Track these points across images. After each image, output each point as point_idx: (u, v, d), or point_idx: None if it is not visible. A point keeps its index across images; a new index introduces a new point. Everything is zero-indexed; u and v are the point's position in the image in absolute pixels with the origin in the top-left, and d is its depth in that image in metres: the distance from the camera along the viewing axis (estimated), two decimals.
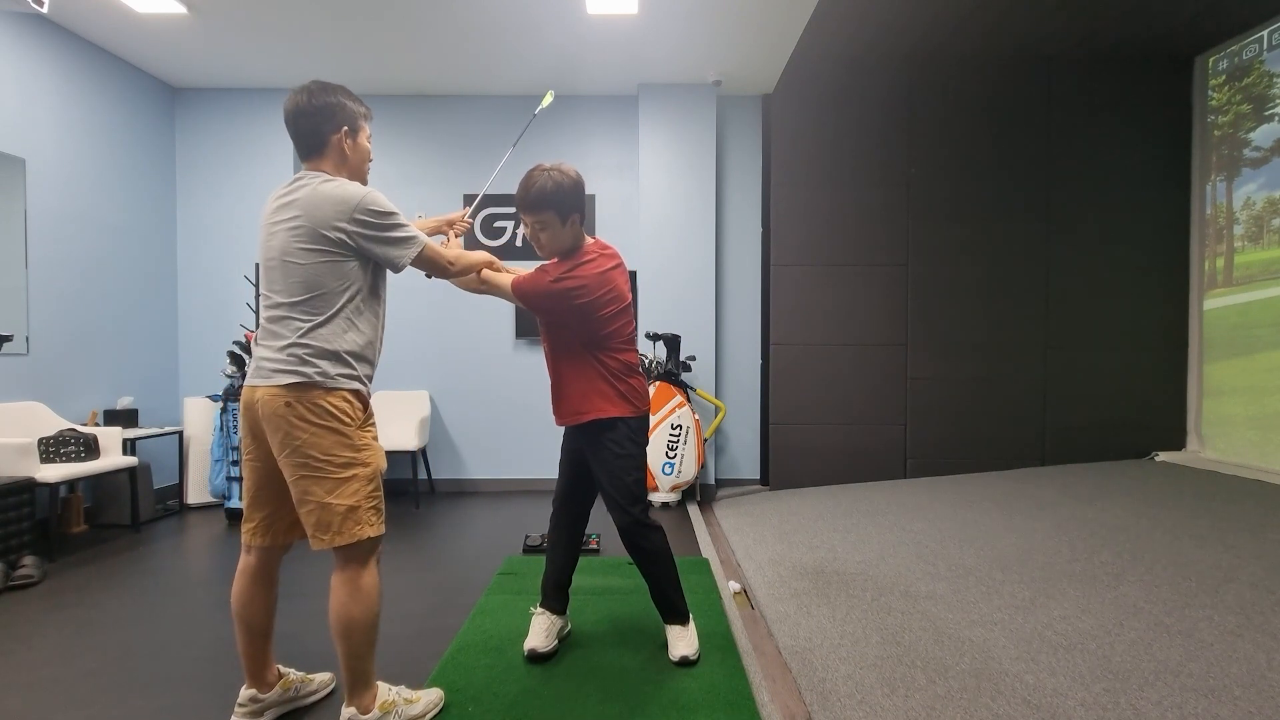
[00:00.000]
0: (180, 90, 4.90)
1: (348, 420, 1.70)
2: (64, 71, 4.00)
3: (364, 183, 1.83)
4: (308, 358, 1.66)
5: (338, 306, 1.70)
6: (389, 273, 1.85)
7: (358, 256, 1.73)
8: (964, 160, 5.08)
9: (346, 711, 1.74)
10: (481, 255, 2.08)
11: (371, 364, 1.81)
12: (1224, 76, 5.01)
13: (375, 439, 1.80)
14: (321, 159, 1.78)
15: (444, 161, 5.02)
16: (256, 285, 1.87)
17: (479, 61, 4.47)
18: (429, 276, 2.25)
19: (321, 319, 1.68)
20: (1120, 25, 4.65)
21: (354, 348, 1.72)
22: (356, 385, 1.73)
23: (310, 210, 1.67)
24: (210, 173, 4.91)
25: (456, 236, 2.32)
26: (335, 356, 1.68)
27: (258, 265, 1.83)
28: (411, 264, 1.81)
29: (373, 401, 1.86)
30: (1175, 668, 2.02)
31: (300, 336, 1.67)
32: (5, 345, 3.52)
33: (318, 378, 1.66)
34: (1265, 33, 4.71)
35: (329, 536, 1.69)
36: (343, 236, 1.68)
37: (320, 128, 1.76)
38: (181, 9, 3.74)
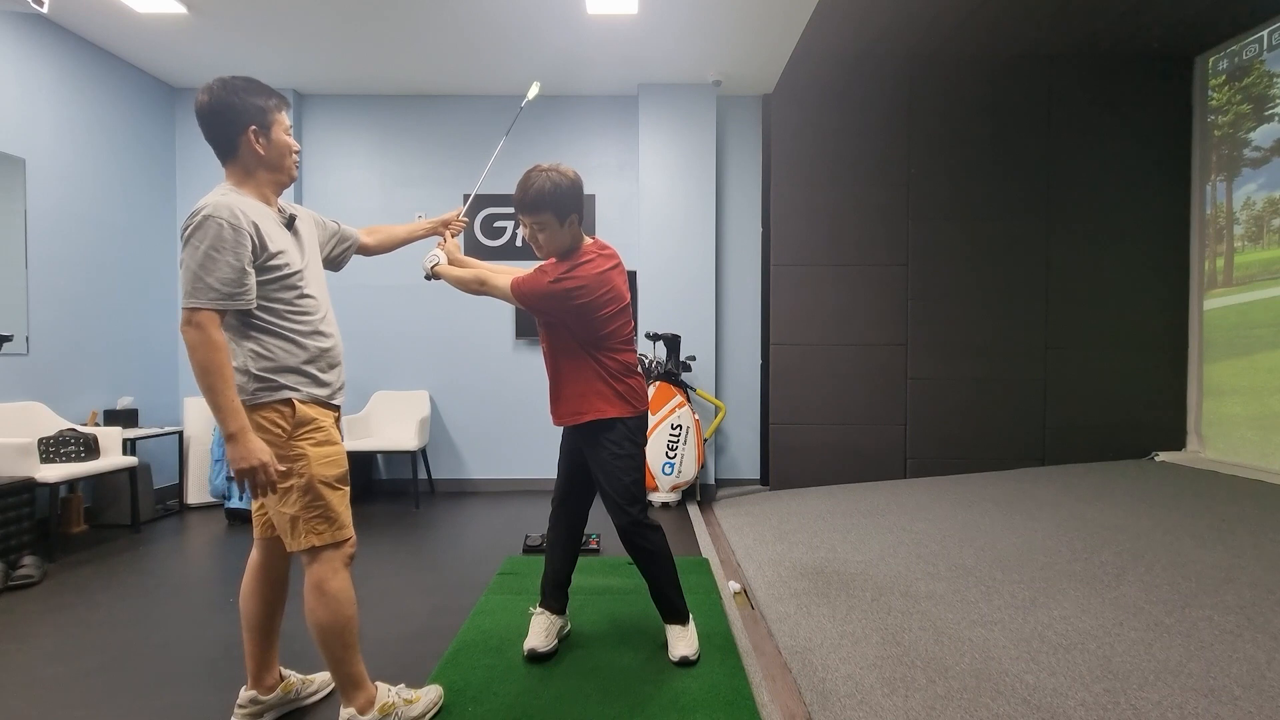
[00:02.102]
0: (180, 90, 4.90)
1: (278, 432, 1.65)
2: (64, 71, 4.00)
3: (291, 176, 1.75)
4: (237, 373, 1.63)
5: (238, 327, 1.64)
6: (337, 273, 1.83)
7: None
8: (964, 160, 5.08)
9: (345, 712, 1.74)
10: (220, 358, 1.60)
11: (302, 373, 1.69)
12: (1224, 76, 5.01)
13: (321, 444, 1.69)
14: (235, 161, 1.68)
15: (444, 161, 5.02)
16: None
17: (479, 61, 4.47)
18: (428, 279, 2.26)
19: (234, 339, 1.64)
20: (1120, 25, 4.65)
21: (267, 365, 1.64)
22: (284, 394, 1.65)
23: None
24: (210, 173, 4.88)
25: (453, 236, 2.32)
26: (248, 375, 1.63)
27: None
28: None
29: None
30: (1175, 668, 2.02)
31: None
32: (5, 345, 3.52)
33: (244, 396, 1.62)
34: (1265, 33, 4.71)
35: (288, 542, 1.71)
36: None
37: (226, 131, 1.65)
38: (181, 9, 3.74)
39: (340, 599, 1.69)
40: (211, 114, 1.63)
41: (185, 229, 1.56)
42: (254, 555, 1.85)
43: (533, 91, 2.65)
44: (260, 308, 1.64)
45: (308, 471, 1.66)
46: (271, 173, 1.71)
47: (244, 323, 1.64)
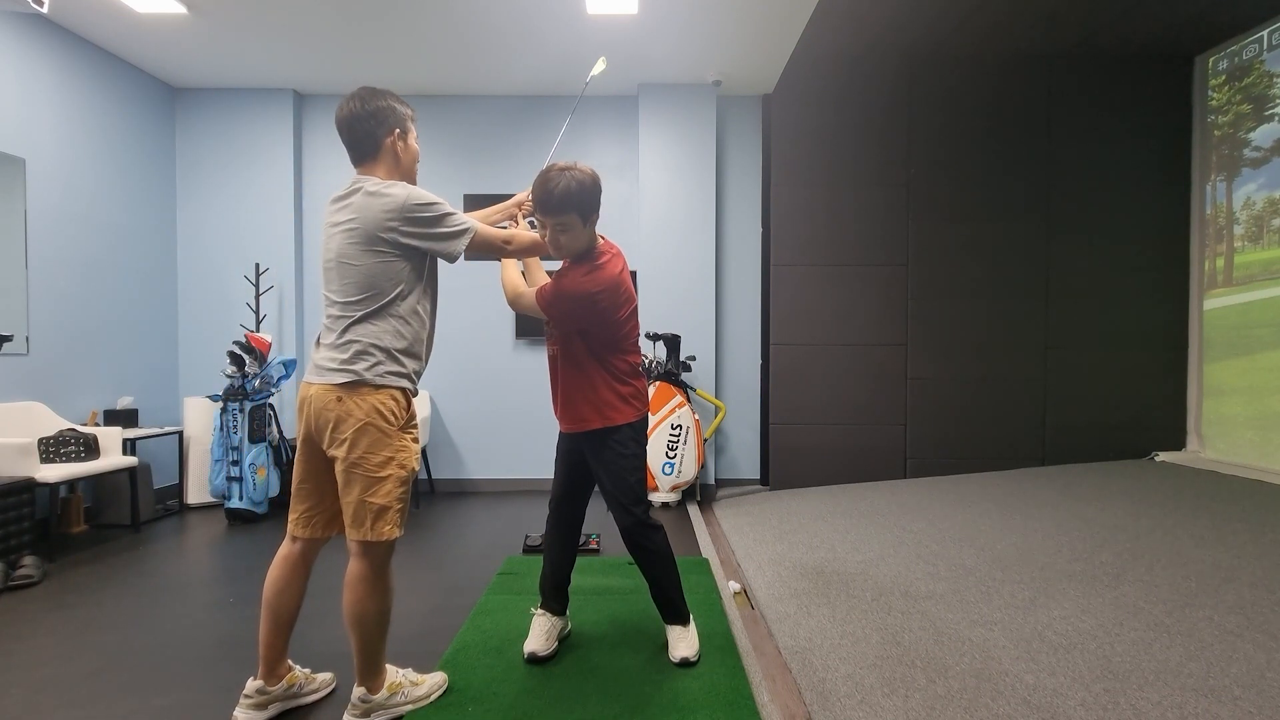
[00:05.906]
0: (180, 90, 4.90)
1: (391, 420, 1.75)
2: (64, 71, 4.00)
3: (414, 182, 1.88)
4: (359, 354, 1.72)
5: (389, 305, 1.75)
6: (439, 270, 1.92)
7: (409, 256, 1.78)
8: (964, 160, 5.07)
9: (357, 691, 1.82)
10: (531, 235, 2.04)
11: (421, 359, 1.85)
12: (1224, 76, 5.01)
13: (415, 440, 1.84)
14: (375, 163, 1.83)
15: (444, 161, 5.01)
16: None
17: (479, 62, 4.46)
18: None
19: (373, 318, 1.74)
20: (1120, 25, 4.65)
21: (403, 345, 1.78)
22: (404, 384, 1.79)
23: (363, 213, 1.73)
24: (210, 173, 4.91)
25: (525, 217, 2.30)
26: (385, 353, 1.74)
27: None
28: (467, 251, 1.85)
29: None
30: (1175, 668, 2.02)
31: (353, 335, 1.73)
32: (5, 345, 3.52)
33: (367, 375, 1.71)
34: (1265, 33, 4.71)
35: (361, 531, 1.75)
36: (395, 236, 1.74)
37: (375, 132, 1.80)
38: (181, 9, 3.74)
39: (389, 590, 1.82)
40: (365, 116, 1.79)
41: (405, 204, 1.73)
42: (293, 549, 1.87)
43: (598, 67, 2.65)
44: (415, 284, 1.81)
45: (409, 464, 1.79)
46: (404, 175, 1.86)
47: (416, 300, 1.80)
